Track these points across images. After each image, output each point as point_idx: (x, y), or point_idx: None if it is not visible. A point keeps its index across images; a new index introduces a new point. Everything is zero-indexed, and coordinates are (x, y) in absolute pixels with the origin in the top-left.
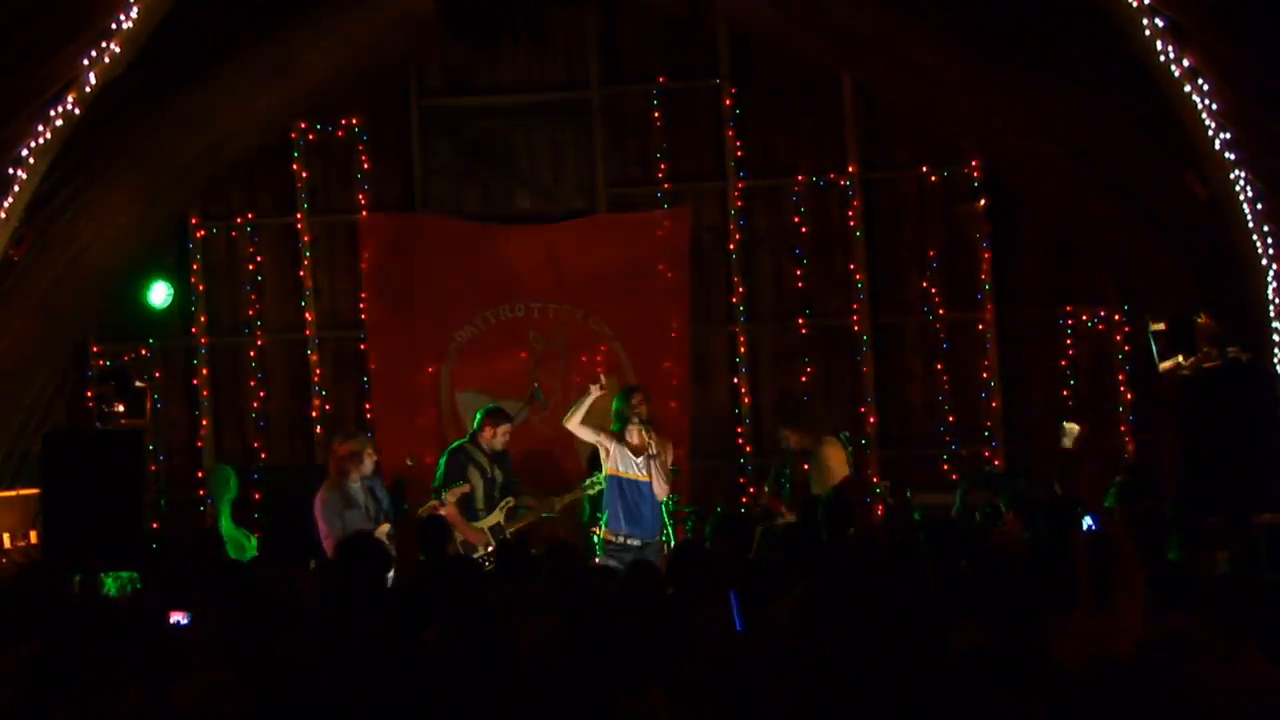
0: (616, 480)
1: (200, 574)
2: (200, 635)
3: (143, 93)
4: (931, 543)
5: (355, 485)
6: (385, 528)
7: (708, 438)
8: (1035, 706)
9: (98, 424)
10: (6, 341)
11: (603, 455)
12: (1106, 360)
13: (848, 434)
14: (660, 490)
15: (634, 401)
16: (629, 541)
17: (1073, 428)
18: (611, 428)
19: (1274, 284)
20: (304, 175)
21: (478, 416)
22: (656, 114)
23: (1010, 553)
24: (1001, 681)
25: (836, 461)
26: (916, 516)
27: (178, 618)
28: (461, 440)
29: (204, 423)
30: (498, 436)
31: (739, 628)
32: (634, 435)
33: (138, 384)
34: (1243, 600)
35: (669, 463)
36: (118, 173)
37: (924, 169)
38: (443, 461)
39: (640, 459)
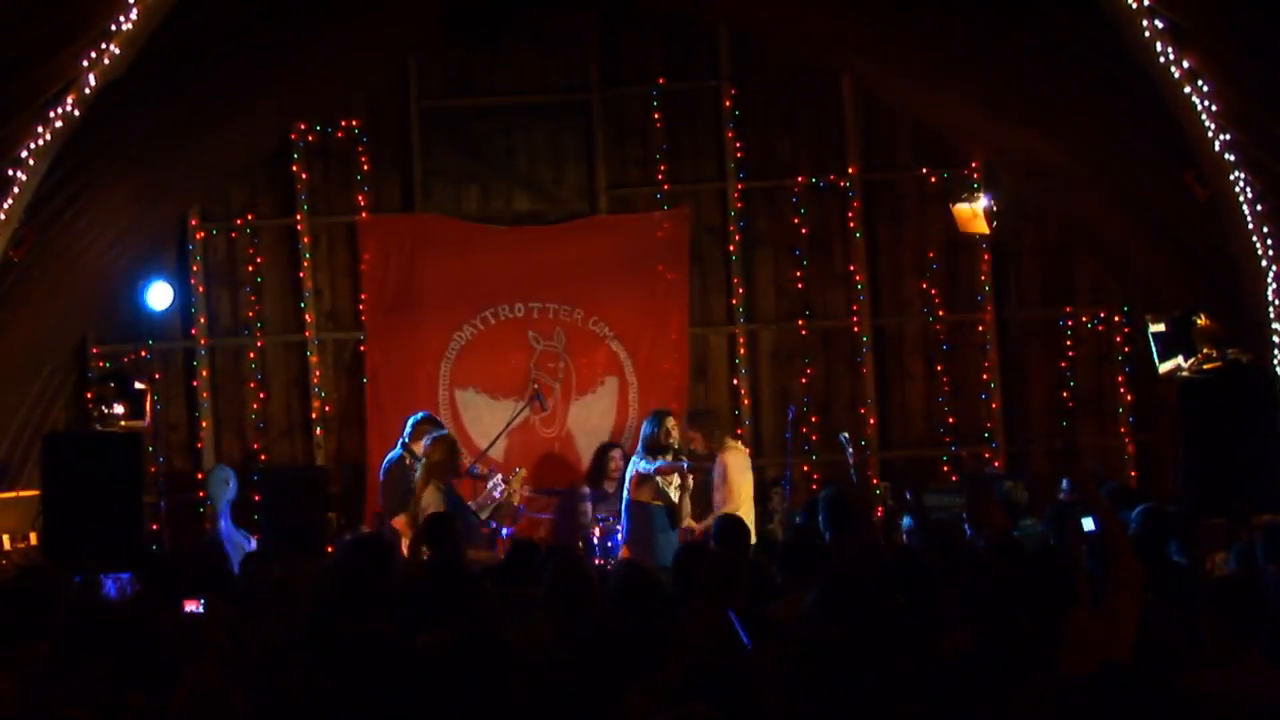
0: (644, 506)
1: (200, 576)
2: (205, 634)
3: (143, 93)
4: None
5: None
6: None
7: None
8: (1033, 709)
9: (97, 425)
10: (6, 342)
11: (635, 481)
12: (1106, 361)
13: (846, 435)
14: (685, 519)
15: (669, 426)
16: None
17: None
18: (639, 449)
19: (1274, 284)
20: (304, 176)
21: (408, 426)
22: (656, 115)
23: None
24: (1000, 684)
25: (736, 468)
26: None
27: (191, 607)
28: (397, 452)
29: (204, 424)
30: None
31: (746, 643)
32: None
33: (137, 385)
34: (1244, 603)
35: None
36: (118, 173)
37: (924, 169)
38: (385, 475)
39: (673, 488)
